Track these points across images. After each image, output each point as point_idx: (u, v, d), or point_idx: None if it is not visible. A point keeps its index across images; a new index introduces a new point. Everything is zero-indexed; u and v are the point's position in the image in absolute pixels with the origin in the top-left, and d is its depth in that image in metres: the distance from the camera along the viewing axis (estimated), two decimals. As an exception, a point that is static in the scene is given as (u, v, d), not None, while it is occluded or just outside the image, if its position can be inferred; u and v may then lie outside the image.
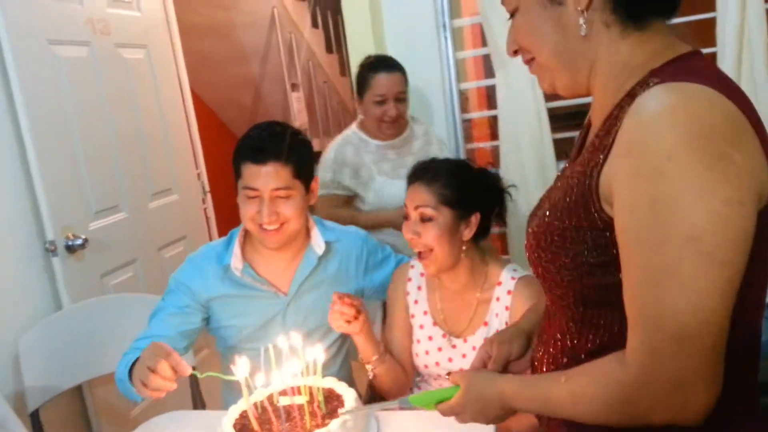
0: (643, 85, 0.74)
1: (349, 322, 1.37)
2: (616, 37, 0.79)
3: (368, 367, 1.48)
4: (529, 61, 0.88)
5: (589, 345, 0.83)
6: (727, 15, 2.09)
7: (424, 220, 1.39)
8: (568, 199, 0.80)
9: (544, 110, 2.36)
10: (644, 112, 0.70)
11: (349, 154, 2.16)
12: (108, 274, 2.34)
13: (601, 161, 0.75)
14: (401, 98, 2.13)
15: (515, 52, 0.88)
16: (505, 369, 1.06)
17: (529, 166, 2.35)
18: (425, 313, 1.52)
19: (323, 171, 2.13)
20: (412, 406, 1.05)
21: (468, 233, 1.41)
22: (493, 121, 2.50)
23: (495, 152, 2.53)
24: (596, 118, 0.84)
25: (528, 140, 2.36)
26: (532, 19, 0.83)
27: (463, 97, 2.68)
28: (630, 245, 0.71)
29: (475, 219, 1.41)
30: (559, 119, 2.48)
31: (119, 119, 2.46)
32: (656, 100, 0.70)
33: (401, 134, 2.19)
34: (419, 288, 1.55)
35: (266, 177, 1.42)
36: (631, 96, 0.74)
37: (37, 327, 1.93)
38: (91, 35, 2.35)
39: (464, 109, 2.67)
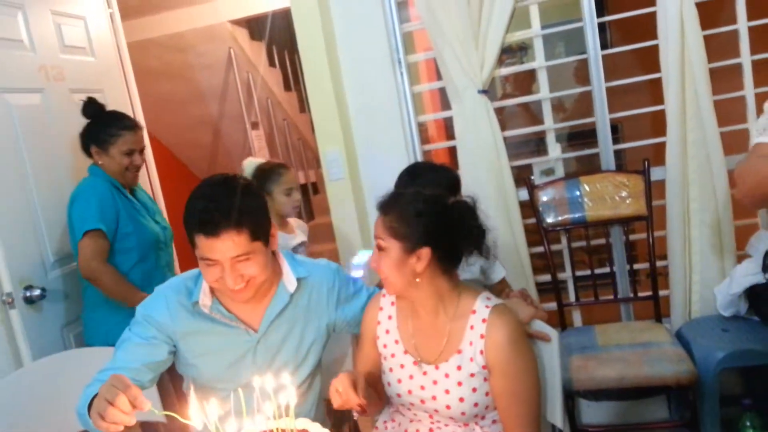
0: None
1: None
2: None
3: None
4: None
5: None
6: (668, 42, 2.19)
7: (380, 249, 1.43)
8: None
9: (500, 139, 2.41)
10: None
11: None
12: (69, 324, 2.27)
13: None
14: None
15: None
16: None
17: (489, 194, 2.38)
18: (396, 342, 1.52)
19: None
20: None
21: (420, 266, 1.41)
22: (453, 152, 2.54)
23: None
24: None
25: (486, 168, 2.41)
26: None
27: (423, 128, 2.72)
28: None
29: (425, 252, 1.40)
30: (516, 147, 2.53)
31: (76, 165, 2.42)
32: None
33: None
34: (390, 317, 1.55)
35: (222, 248, 1.36)
36: None
37: (-3, 385, 1.84)
38: (45, 82, 2.33)
39: (425, 140, 2.72)
